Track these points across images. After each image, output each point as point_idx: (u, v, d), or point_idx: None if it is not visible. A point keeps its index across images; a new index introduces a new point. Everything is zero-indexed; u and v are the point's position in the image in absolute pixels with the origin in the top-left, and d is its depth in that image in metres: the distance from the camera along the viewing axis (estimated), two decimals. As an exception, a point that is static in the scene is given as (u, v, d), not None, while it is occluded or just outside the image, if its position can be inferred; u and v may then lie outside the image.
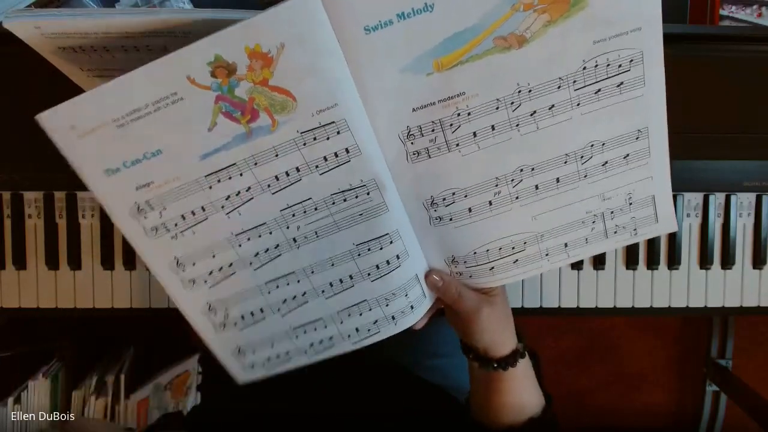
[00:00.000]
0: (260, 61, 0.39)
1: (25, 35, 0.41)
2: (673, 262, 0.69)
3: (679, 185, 0.68)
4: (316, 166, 0.44)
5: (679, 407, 1.40)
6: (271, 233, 0.46)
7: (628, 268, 0.70)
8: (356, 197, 0.45)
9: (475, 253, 0.50)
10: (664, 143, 0.47)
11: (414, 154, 0.45)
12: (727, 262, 0.69)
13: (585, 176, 0.47)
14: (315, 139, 0.43)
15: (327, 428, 0.59)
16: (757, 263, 0.70)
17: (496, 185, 0.47)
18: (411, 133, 0.44)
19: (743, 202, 0.69)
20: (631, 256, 0.69)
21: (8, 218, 0.68)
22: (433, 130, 0.44)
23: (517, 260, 0.50)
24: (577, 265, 0.70)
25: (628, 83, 0.44)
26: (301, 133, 0.42)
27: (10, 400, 0.82)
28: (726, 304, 0.70)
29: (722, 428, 1.31)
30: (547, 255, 0.51)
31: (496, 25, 0.41)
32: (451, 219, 0.48)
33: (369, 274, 0.48)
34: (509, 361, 0.51)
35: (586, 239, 0.51)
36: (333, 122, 0.42)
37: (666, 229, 0.51)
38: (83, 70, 0.47)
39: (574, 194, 0.48)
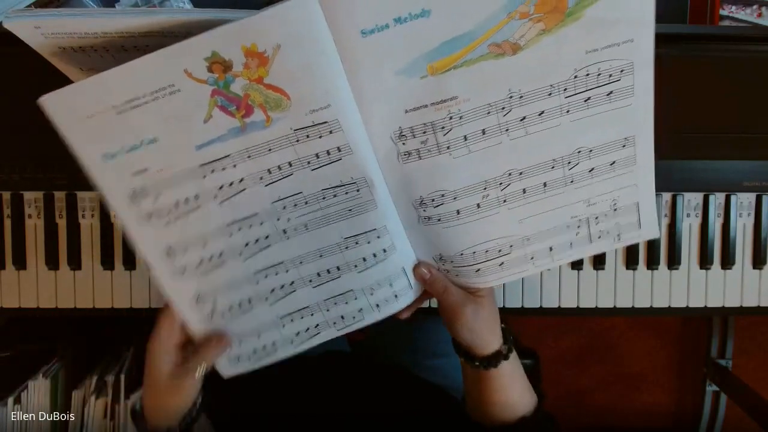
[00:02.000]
0: (256, 60, 0.39)
1: (25, 35, 0.41)
2: (673, 262, 0.69)
3: (679, 185, 0.68)
4: (308, 162, 0.45)
5: (679, 407, 1.40)
6: (262, 224, 0.47)
7: (628, 268, 0.70)
8: (346, 193, 0.46)
9: (461, 254, 0.50)
10: (650, 152, 0.47)
11: (405, 154, 0.46)
12: (727, 262, 0.69)
13: (571, 181, 0.48)
14: (308, 137, 0.43)
15: (327, 428, 0.59)
16: (757, 263, 0.70)
17: (485, 188, 0.47)
18: (403, 134, 0.45)
19: (743, 202, 0.69)
20: (631, 256, 0.69)
21: (8, 218, 0.68)
22: (424, 132, 0.45)
23: (502, 263, 0.51)
24: (577, 265, 0.69)
25: (618, 92, 0.44)
26: (295, 130, 0.43)
27: (10, 400, 0.81)
28: (726, 304, 0.70)
29: (722, 428, 1.31)
30: (532, 259, 0.51)
31: (491, 32, 0.41)
32: (439, 219, 0.48)
33: (356, 266, 0.49)
34: (491, 361, 0.52)
35: (571, 244, 0.51)
36: (326, 122, 0.42)
37: (648, 235, 0.52)
38: (83, 70, 0.47)
39: (561, 199, 0.48)
